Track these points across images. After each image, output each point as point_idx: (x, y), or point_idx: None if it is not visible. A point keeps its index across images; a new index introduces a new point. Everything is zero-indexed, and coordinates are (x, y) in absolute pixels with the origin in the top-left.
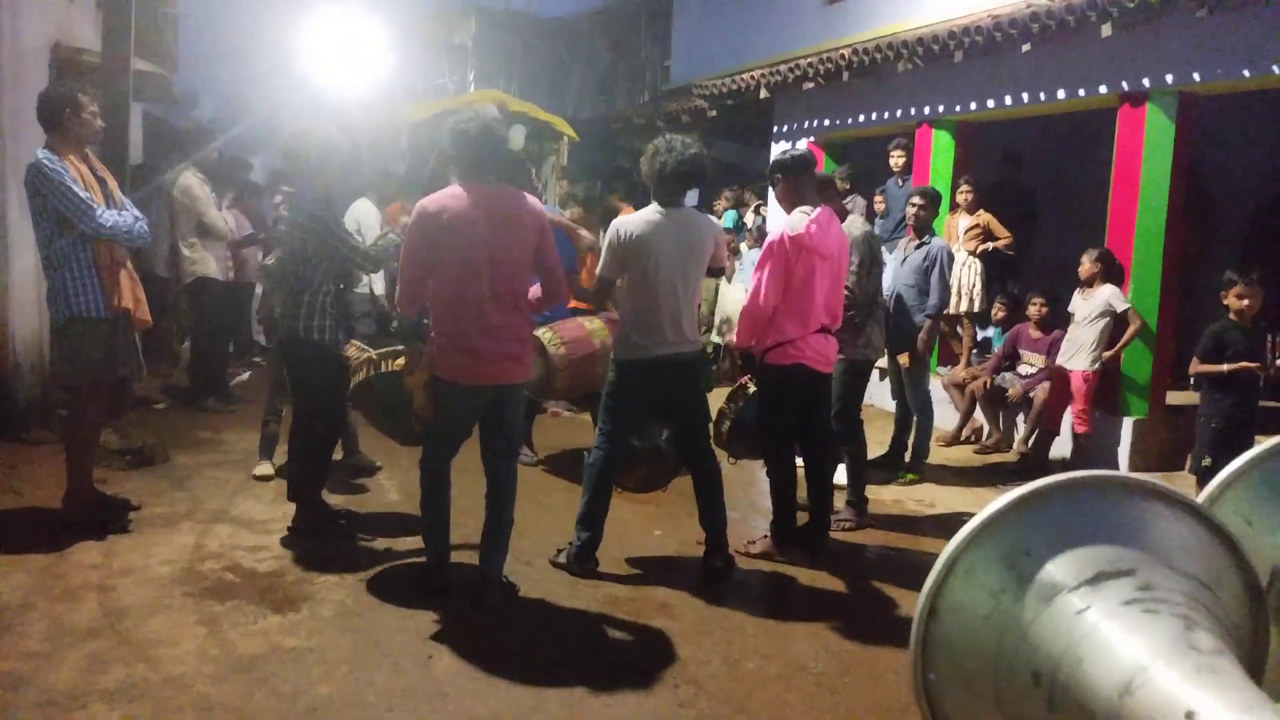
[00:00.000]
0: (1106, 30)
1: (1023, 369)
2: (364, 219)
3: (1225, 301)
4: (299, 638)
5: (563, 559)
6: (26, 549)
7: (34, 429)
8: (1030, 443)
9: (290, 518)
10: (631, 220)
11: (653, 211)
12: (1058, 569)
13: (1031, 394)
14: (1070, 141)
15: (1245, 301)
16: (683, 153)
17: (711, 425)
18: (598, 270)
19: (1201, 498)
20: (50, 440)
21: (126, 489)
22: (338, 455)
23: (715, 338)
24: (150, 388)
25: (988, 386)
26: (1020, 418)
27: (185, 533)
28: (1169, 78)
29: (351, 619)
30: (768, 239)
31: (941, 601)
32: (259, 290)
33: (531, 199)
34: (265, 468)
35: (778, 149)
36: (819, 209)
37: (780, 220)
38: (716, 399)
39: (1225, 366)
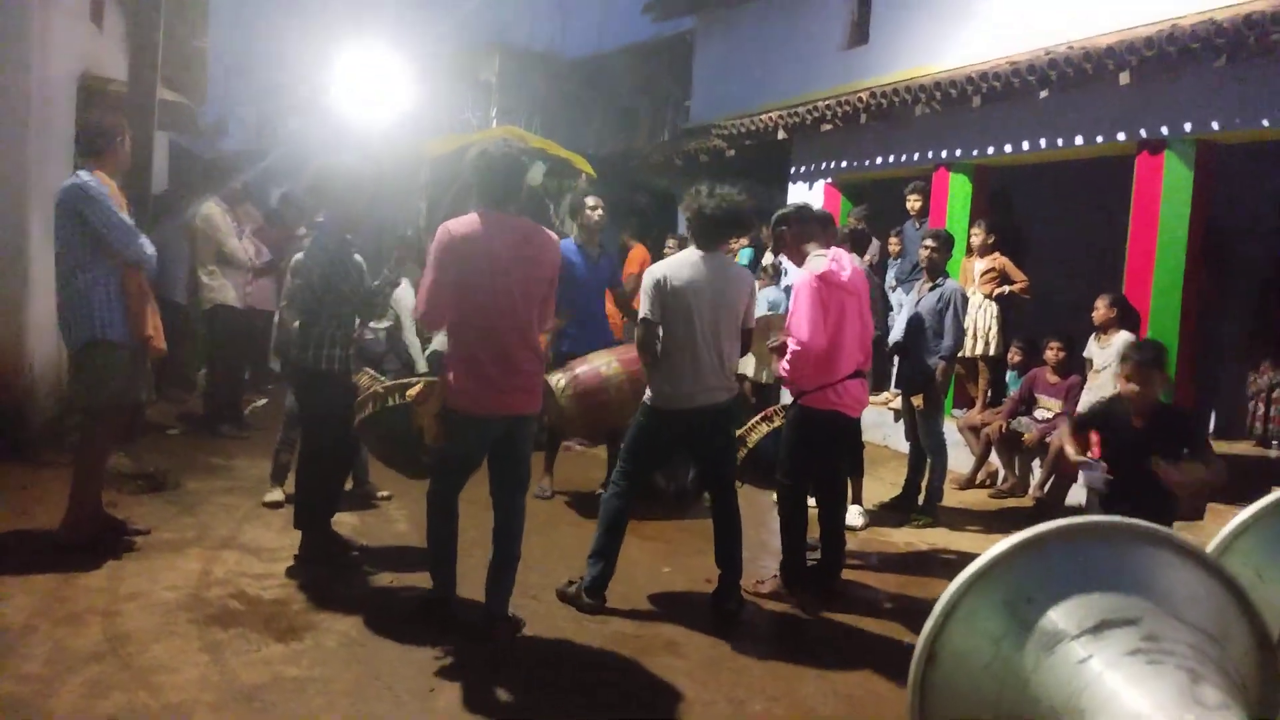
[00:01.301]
0: (1125, 78)
1: (1039, 413)
2: (401, 298)
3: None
4: (301, 667)
5: (572, 591)
6: (33, 571)
7: (47, 451)
8: (1046, 488)
9: (298, 546)
10: (670, 265)
11: (691, 255)
12: (1060, 616)
13: (1048, 439)
14: (1089, 187)
15: (1131, 385)
16: (730, 200)
17: None
18: (641, 313)
19: (1211, 547)
20: (62, 462)
21: (136, 514)
22: (347, 485)
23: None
24: (165, 413)
25: (1004, 430)
26: (1036, 462)
27: (193, 559)
28: (1187, 126)
29: (355, 650)
30: (795, 285)
31: (940, 647)
32: (278, 319)
33: (550, 235)
34: (276, 494)
35: (795, 189)
36: (831, 248)
37: (797, 269)
38: None
39: (1072, 453)
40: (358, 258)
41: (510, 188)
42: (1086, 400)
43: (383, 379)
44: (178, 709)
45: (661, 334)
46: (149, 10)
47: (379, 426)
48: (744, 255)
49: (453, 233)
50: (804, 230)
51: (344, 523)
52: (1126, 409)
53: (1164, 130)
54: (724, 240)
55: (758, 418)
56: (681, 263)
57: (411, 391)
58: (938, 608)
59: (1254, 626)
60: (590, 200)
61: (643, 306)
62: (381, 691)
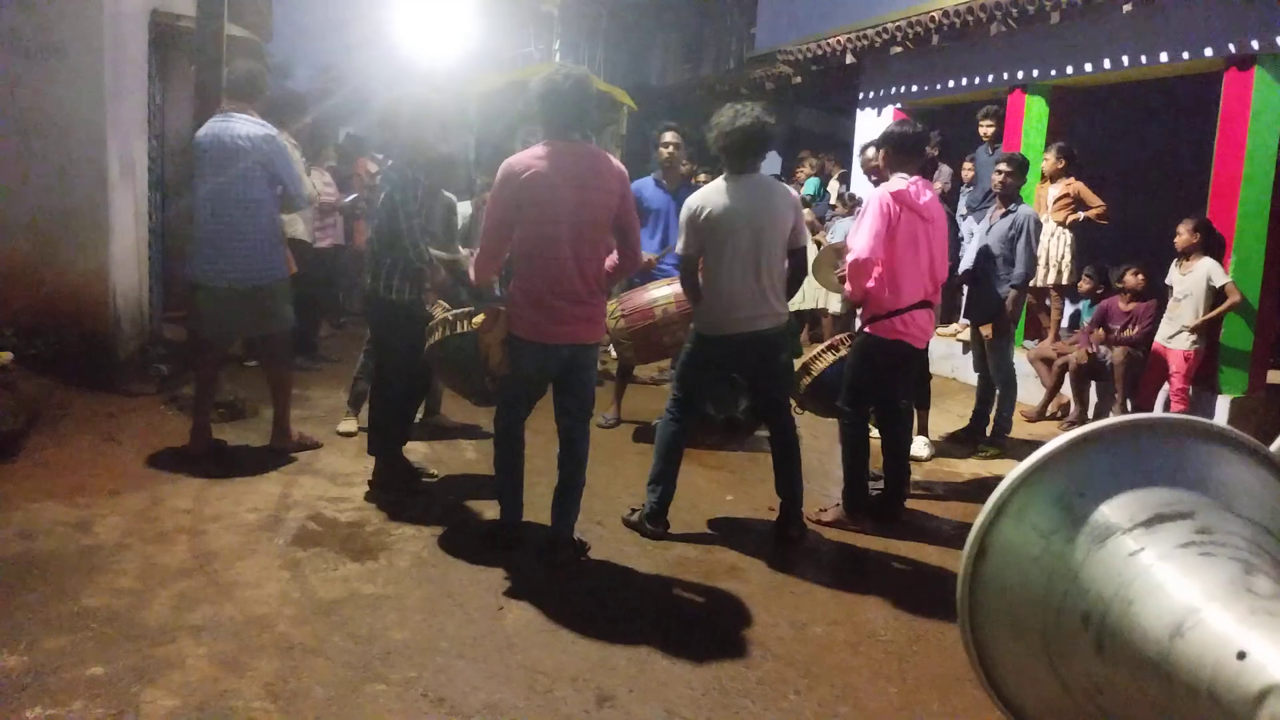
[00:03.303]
0: None
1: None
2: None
3: None
4: (376, 585)
5: (635, 518)
6: (123, 493)
7: (132, 381)
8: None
9: (371, 472)
10: (704, 194)
11: (723, 181)
12: (1112, 511)
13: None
14: (1172, 106)
15: None
16: (738, 119)
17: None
18: (678, 249)
19: (1275, 445)
20: (148, 392)
21: (217, 439)
22: (419, 416)
23: (807, 305)
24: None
25: (1086, 360)
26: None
27: (272, 483)
28: (1279, 40)
29: (426, 569)
30: (867, 200)
31: (991, 540)
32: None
33: (616, 163)
34: (350, 424)
35: (863, 116)
36: (914, 177)
37: (872, 188)
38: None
39: None
40: (448, 195)
41: (578, 113)
42: (1165, 330)
43: (449, 311)
44: (261, 620)
45: (704, 264)
46: None
47: (446, 353)
48: (810, 185)
49: (514, 170)
50: (907, 158)
51: (415, 451)
52: None
53: (1254, 45)
54: (753, 159)
55: (823, 346)
56: (715, 190)
57: (477, 319)
58: (990, 503)
59: None
60: (665, 136)
61: (680, 242)
62: (452, 609)
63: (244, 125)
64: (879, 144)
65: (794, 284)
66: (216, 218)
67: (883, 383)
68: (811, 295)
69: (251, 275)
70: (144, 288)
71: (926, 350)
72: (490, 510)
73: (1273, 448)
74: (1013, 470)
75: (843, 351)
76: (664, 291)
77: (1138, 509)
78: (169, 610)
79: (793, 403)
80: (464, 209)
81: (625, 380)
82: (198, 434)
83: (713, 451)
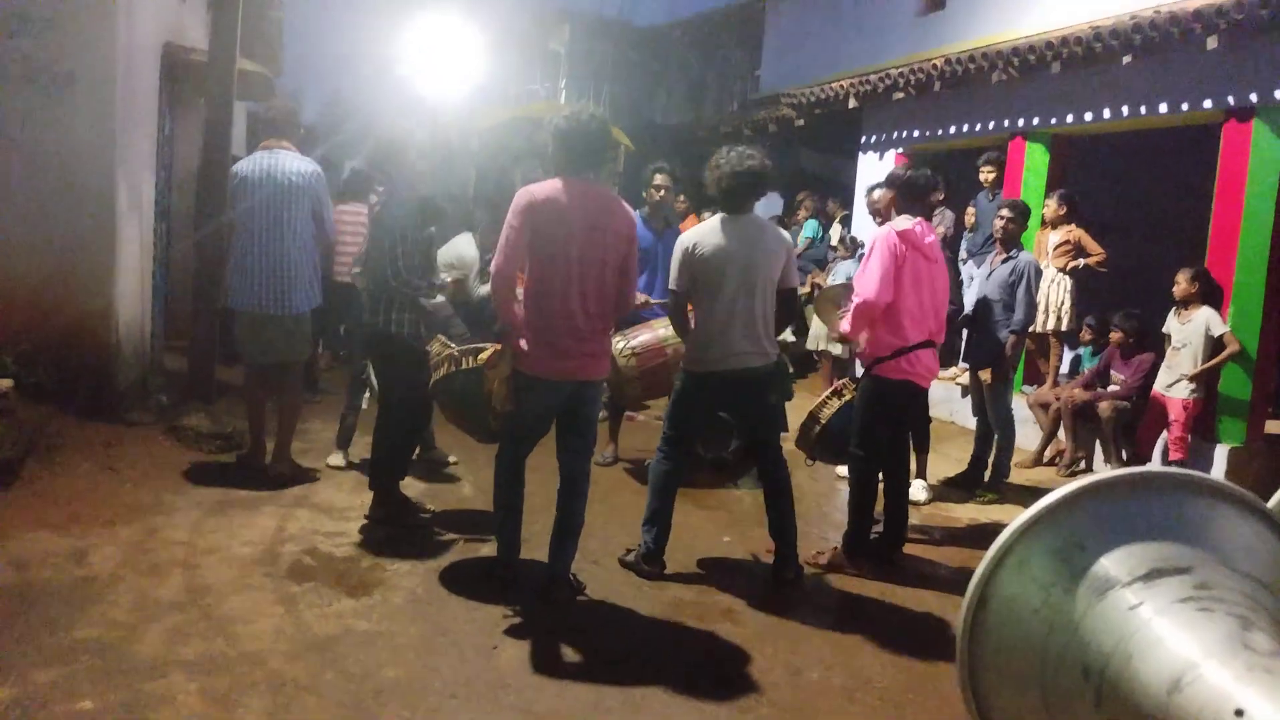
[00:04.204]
0: (1212, 43)
1: (1113, 389)
2: (465, 253)
3: None
4: (370, 622)
5: (631, 559)
6: (119, 524)
7: (132, 410)
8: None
9: (368, 506)
10: (697, 231)
11: (718, 221)
12: (1112, 564)
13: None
14: (1171, 157)
15: None
16: (739, 163)
17: (800, 427)
18: (670, 284)
19: (1272, 502)
20: (147, 421)
21: (215, 470)
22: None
23: (809, 345)
24: (240, 376)
25: (1076, 402)
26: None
27: (268, 516)
28: (1278, 93)
29: (421, 607)
30: (874, 237)
31: (991, 591)
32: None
33: (626, 206)
34: (338, 458)
35: (865, 160)
36: (918, 219)
37: (876, 229)
38: (798, 406)
39: None
40: (430, 230)
41: (596, 155)
42: (1164, 378)
43: (452, 345)
44: (253, 657)
45: (695, 301)
46: None
47: (451, 389)
48: (809, 227)
49: (535, 197)
50: (908, 203)
51: (412, 486)
52: None
53: (1253, 97)
54: (745, 202)
55: (828, 392)
56: (709, 229)
57: (483, 355)
58: (990, 553)
59: None
60: (656, 178)
61: (671, 277)
62: (447, 647)
63: (294, 161)
64: (887, 185)
65: (782, 324)
66: (266, 249)
67: (892, 424)
68: (815, 336)
69: (295, 304)
70: (146, 318)
71: (927, 392)
72: (486, 547)
73: (1270, 504)
74: (1013, 521)
75: (848, 396)
76: (670, 331)
77: (1137, 563)
78: (161, 644)
79: (803, 454)
80: (466, 245)
81: (619, 418)
82: (256, 451)
83: (710, 491)
